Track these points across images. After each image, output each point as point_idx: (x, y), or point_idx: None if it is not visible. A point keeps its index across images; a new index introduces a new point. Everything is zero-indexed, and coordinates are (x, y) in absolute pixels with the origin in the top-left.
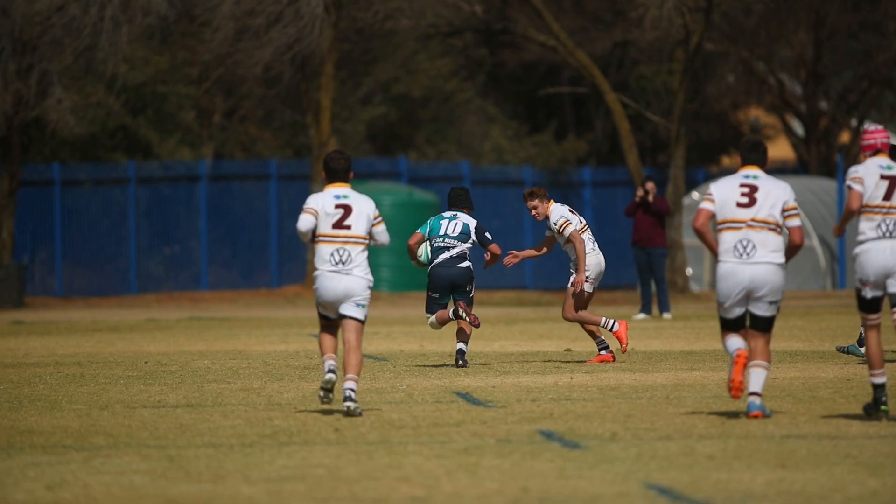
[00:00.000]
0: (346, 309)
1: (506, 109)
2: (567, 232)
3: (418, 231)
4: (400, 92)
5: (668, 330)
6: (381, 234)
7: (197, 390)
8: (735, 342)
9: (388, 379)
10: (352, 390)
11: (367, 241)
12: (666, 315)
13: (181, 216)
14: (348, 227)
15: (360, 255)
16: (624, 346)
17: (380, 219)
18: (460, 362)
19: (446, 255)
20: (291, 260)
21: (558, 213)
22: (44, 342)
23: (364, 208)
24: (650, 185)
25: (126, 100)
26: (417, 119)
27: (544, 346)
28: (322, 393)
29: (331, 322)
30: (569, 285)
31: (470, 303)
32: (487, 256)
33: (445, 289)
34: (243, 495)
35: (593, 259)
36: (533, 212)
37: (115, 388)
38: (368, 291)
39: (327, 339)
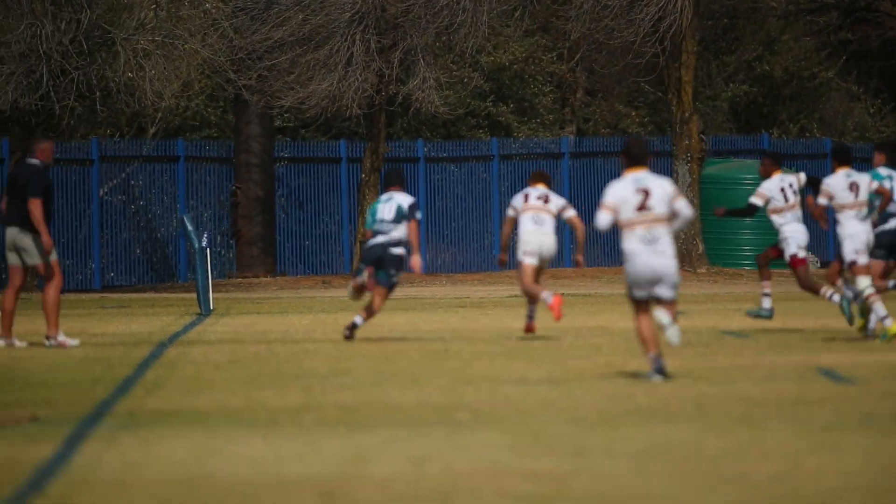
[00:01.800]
0: (660, 290)
1: (868, 86)
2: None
3: (365, 229)
4: (763, 71)
5: None
6: (683, 208)
7: (560, 366)
8: None
9: (751, 356)
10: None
11: (670, 220)
12: None
13: None
14: (650, 209)
15: (665, 234)
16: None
17: (678, 194)
18: (346, 333)
19: (383, 237)
20: None
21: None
22: (407, 317)
23: (661, 188)
24: None
25: (486, 79)
26: (780, 97)
27: None
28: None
29: (644, 303)
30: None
31: (389, 286)
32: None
33: (372, 264)
34: (605, 471)
35: (533, 237)
36: None
37: (478, 363)
38: (678, 272)
39: (647, 328)
